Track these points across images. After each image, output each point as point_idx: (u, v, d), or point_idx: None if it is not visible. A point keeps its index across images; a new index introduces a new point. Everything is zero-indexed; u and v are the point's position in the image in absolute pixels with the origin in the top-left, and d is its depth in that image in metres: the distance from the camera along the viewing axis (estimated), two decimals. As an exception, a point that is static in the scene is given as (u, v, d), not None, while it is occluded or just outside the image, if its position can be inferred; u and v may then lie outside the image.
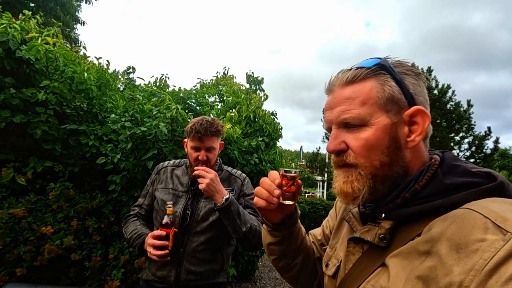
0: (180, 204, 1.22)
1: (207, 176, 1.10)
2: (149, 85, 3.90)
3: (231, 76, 4.79)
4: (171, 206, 1.10)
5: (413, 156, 0.53)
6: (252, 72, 4.27)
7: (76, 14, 7.67)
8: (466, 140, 9.51)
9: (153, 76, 3.66)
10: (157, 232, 1.10)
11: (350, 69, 0.56)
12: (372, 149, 0.52)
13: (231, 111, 3.34)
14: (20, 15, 2.47)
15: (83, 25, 7.80)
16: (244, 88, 4.16)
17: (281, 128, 3.67)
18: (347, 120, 0.54)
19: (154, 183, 1.35)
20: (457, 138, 9.59)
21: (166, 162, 1.40)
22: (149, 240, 1.10)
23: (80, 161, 2.44)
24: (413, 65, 0.57)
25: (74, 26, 8.09)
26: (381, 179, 0.53)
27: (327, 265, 0.69)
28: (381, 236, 0.52)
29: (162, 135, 2.24)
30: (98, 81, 2.59)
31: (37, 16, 2.70)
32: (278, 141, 3.80)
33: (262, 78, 4.26)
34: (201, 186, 1.10)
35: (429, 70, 6.31)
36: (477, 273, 0.34)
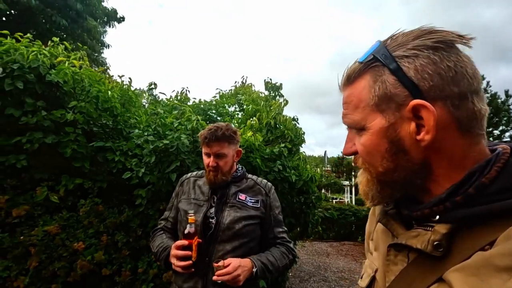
0: (201, 213, 1.18)
1: (229, 278, 1.01)
2: (171, 100, 4.00)
3: (250, 84, 4.79)
4: (192, 215, 1.08)
5: (437, 156, 0.43)
6: (270, 79, 4.24)
7: (102, 38, 8.20)
8: (507, 134, 8.77)
9: (174, 90, 3.74)
10: (180, 242, 1.07)
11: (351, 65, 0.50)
12: (371, 154, 0.47)
13: (251, 119, 3.31)
14: (49, 42, 2.63)
15: (108, 48, 8.35)
16: (263, 95, 4.13)
17: (304, 133, 3.58)
18: (349, 125, 0.51)
19: (178, 195, 1.34)
20: (497, 132, 8.88)
21: (189, 174, 1.39)
22: (173, 251, 1.08)
23: (108, 177, 2.51)
24: (431, 31, 0.43)
25: (101, 50, 8.64)
26: (389, 184, 0.47)
27: (361, 277, 0.60)
28: (435, 243, 0.41)
29: (184, 147, 2.25)
30: (121, 98, 2.68)
31: (65, 43, 2.86)
32: (301, 147, 3.70)
33: (281, 84, 4.22)
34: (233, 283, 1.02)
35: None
36: None
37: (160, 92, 4.07)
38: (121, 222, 2.28)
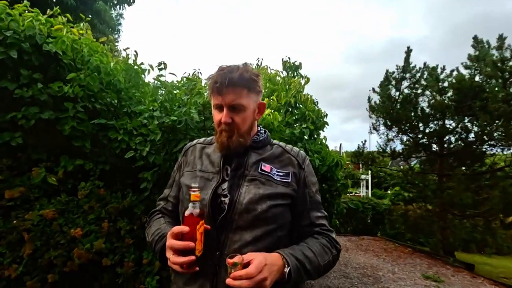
0: (209, 189, 0.86)
1: (250, 284, 0.68)
2: (182, 82, 3.73)
3: (265, 66, 4.46)
4: (196, 189, 0.75)
5: None
6: (289, 58, 3.88)
7: (113, 22, 7.97)
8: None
9: (185, 72, 3.48)
10: (178, 228, 0.73)
11: None
12: None
13: (269, 99, 2.99)
14: (48, 11, 2.39)
15: (119, 33, 8.15)
16: (281, 76, 3.79)
17: (326, 115, 3.23)
18: None
19: (181, 167, 1.02)
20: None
21: (196, 140, 1.08)
22: (169, 240, 0.74)
23: (111, 158, 2.28)
24: None
25: (114, 36, 8.44)
26: None
27: None
28: None
29: (194, 123, 1.97)
30: (126, 72, 2.42)
31: (67, 15, 2.62)
32: (323, 131, 3.35)
33: (300, 63, 3.86)
34: None
35: (501, 38, 5.32)
36: None
37: (170, 73, 3.81)
38: (124, 207, 2.04)
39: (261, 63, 4.64)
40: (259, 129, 0.99)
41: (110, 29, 8.28)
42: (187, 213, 0.73)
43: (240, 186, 0.85)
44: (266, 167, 0.89)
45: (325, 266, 0.84)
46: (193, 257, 0.71)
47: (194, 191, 0.74)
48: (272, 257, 0.75)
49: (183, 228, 0.72)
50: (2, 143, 1.98)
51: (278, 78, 3.72)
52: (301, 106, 2.92)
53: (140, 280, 1.91)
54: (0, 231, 1.85)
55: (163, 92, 2.25)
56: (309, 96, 2.98)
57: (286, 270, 0.74)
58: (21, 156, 2.12)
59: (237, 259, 0.69)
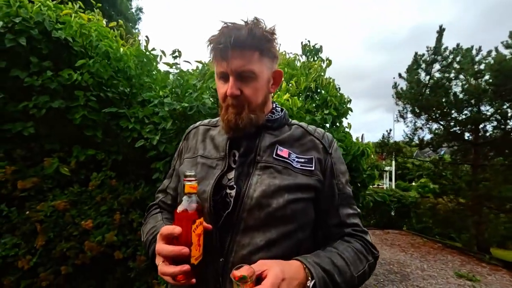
0: (211, 179, 0.68)
1: None
2: (197, 70, 3.61)
3: (283, 52, 4.22)
4: (192, 178, 0.58)
5: None
6: (308, 41, 3.63)
7: (130, 13, 7.97)
8: None
9: (200, 60, 3.36)
10: (168, 228, 0.57)
11: None
12: None
13: (287, 84, 2.79)
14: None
15: (136, 24, 8.15)
16: (300, 60, 3.56)
17: (349, 101, 2.98)
18: None
19: (181, 154, 0.86)
20: None
21: (199, 122, 0.92)
22: (158, 245, 0.59)
23: (124, 148, 2.21)
24: None
25: (132, 28, 8.48)
26: None
27: None
28: None
29: (206, 109, 1.83)
30: (137, 58, 2.32)
31: (79, 2, 2.55)
32: (346, 118, 3.11)
33: (321, 46, 3.59)
34: None
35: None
36: None
37: (185, 61, 3.69)
38: (136, 199, 1.96)
39: (279, 49, 4.41)
40: (274, 106, 0.81)
41: (127, 21, 8.31)
42: (179, 209, 0.56)
43: (250, 176, 0.68)
44: (283, 152, 0.71)
45: (360, 278, 0.65)
46: (187, 267, 0.54)
47: (189, 180, 0.58)
48: (291, 268, 0.57)
49: (174, 228, 0.56)
50: (15, 133, 1.96)
51: (297, 63, 3.49)
52: (322, 91, 2.70)
53: (153, 275, 1.83)
54: (15, 222, 1.83)
55: (175, 78, 2.12)
56: (331, 80, 2.75)
57: (310, 284, 0.56)
58: (34, 146, 2.09)
59: (245, 271, 0.52)
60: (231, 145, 0.74)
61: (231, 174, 0.70)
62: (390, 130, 7.23)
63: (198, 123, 0.90)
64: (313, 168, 0.70)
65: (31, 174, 1.96)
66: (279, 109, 0.81)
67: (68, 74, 1.98)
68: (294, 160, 0.71)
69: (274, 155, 0.70)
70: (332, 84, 2.75)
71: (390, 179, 17.63)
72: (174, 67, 2.19)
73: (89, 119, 2.04)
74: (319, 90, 2.72)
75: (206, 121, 0.90)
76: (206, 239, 0.61)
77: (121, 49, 2.15)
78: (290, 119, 0.83)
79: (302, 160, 0.71)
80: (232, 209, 0.65)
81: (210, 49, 0.69)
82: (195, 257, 0.56)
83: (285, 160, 0.70)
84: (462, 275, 4.18)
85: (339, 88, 3.37)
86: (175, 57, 3.71)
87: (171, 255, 0.55)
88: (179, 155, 0.87)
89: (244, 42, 0.65)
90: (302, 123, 0.81)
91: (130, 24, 8.42)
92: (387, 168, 15.79)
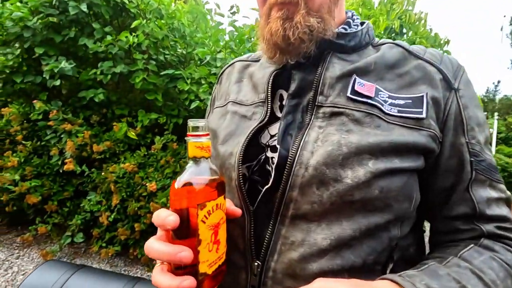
0: (241, 136, 0.45)
1: None
2: (255, 26, 3.31)
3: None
4: (201, 132, 0.35)
5: None
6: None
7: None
8: None
9: (255, 8, 3.03)
10: (159, 216, 0.34)
11: None
12: None
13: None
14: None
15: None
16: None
17: (448, 41, 2.30)
18: None
19: (213, 103, 0.62)
20: None
21: (237, 58, 0.64)
22: (150, 240, 0.36)
23: (183, 111, 2.18)
24: None
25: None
26: None
27: None
28: None
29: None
30: (190, 14, 2.17)
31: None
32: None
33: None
34: None
35: None
36: None
37: (244, 16, 3.41)
38: (196, 162, 1.92)
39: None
40: (351, 15, 0.50)
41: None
42: (179, 182, 0.34)
43: (307, 129, 0.42)
44: (366, 88, 0.42)
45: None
46: (189, 281, 0.32)
47: (195, 135, 0.35)
48: None
49: (167, 217, 0.33)
50: (89, 100, 2.09)
51: (374, 1, 2.86)
52: (409, 31, 2.12)
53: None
54: (97, 181, 2.01)
55: (229, 32, 1.90)
56: (422, 16, 2.13)
57: None
58: (106, 112, 2.22)
59: None
60: (276, 82, 0.48)
61: (275, 128, 0.45)
62: (499, 82, 5.72)
63: (235, 59, 0.65)
64: (423, 116, 0.40)
65: (106, 138, 2.09)
66: (358, 20, 0.50)
67: (125, 36, 1.96)
68: (385, 101, 0.41)
69: (349, 93, 0.42)
70: (424, 20, 2.14)
71: (490, 143, 14.78)
72: (231, 25, 1.97)
73: (149, 83, 2.03)
74: (404, 31, 2.15)
75: (245, 56, 0.63)
76: (231, 233, 0.41)
77: (173, 5, 2.02)
78: (377, 38, 0.51)
79: (402, 101, 0.41)
80: (273, 183, 0.41)
81: None
82: (208, 262, 0.35)
83: (369, 101, 0.41)
84: None
85: (431, 29, 2.65)
86: (233, 13, 3.43)
87: (164, 259, 0.34)
88: (211, 105, 0.64)
89: None
90: (400, 41, 0.49)
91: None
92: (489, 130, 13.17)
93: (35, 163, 2.04)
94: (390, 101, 0.41)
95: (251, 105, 0.49)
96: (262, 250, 0.41)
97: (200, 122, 0.36)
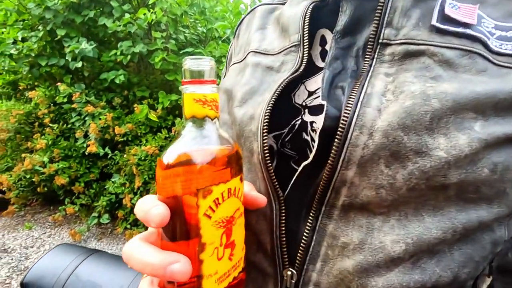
0: (266, 92, 0.30)
1: None
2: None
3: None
4: (207, 79, 0.22)
5: None
6: None
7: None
8: None
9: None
10: (142, 208, 0.22)
11: None
12: None
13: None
14: None
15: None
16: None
17: None
18: None
19: (230, 60, 0.47)
20: None
21: (259, 4, 0.46)
22: (129, 248, 0.23)
23: (204, 92, 2.10)
24: None
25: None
26: None
27: None
28: None
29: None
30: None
31: None
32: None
33: None
34: None
35: None
36: None
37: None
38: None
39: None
40: None
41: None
42: (168, 158, 0.22)
43: (367, 77, 0.26)
44: (463, 11, 0.25)
45: None
46: (188, 282, 0.22)
47: (196, 81, 0.22)
48: None
49: (151, 210, 0.21)
50: (111, 82, 2.06)
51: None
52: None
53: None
54: (120, 164, 2.01)
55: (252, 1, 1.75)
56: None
57: None
58: (127, 94, 2.19)
59: None
60: (316, 18, 0.33)
61: (316, 81, 0.32)
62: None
63: (257, 4, 0.50)
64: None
65: (127, 120, 2.07)
66: None
67: (143, 14, 1.88)
68: (491, 33, 0.26)
69: (435, 21, 0.26)
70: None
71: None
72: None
73: (169, 62, 1.96)
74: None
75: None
76: (254, 228, 0.29)
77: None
78: None
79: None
80: (315, 158, 0.27)
81: None
82: (217, 275, 0.23)
83: (468, 31, 0.25)
84: None
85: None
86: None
87: (149, 274, 0.22)
88: (228, 64, 0.49)
89: None
90: None
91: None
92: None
93: (62, 145, 2.08)
94: (498, 33, 0.26)
95: (279, 53, 0.35)
96: (299, 255, 0.28)
97: (202, 61, 0.23)
